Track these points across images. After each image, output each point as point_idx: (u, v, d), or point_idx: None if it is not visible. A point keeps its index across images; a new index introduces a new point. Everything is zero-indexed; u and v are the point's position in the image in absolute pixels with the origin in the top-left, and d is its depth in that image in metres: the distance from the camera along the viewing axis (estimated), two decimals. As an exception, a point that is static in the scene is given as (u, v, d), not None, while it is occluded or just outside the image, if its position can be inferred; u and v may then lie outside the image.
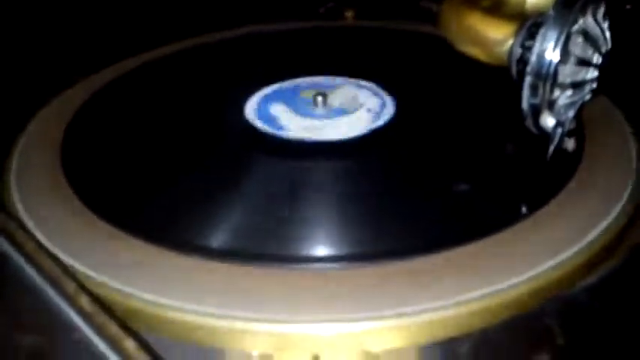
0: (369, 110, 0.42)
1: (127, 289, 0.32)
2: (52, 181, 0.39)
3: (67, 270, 0.28)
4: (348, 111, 0.43)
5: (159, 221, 0.36)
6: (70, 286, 0.27)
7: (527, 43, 0.36)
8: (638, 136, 0.41)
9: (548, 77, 0.34)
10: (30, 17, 0.55)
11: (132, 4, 0.59)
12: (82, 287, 0.27)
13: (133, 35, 0.56)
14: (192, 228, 0.35)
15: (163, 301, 0.31)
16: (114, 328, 0.24)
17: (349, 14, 0.62)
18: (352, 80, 0.46)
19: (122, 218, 0.35)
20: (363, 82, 0.45)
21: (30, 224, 0.35)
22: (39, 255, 0.28)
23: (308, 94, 0.44)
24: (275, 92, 0.45)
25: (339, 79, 0.46)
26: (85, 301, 0.26)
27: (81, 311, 0.26)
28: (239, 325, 0.30)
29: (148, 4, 0.60)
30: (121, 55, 0.52)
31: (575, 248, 0.33)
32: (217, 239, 0.34)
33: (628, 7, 0.50)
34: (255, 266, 0.33)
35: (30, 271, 0.28)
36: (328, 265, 0.33)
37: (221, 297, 0.31)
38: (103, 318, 0.25)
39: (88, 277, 0.32)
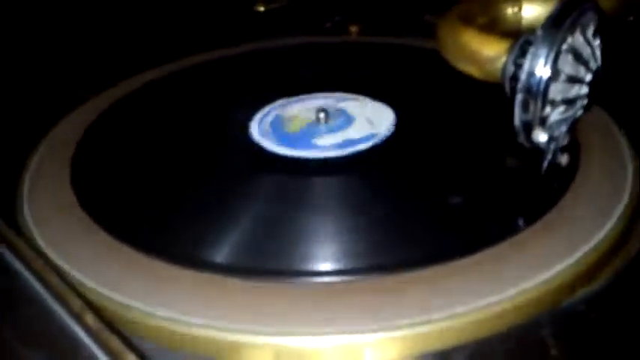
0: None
1: (131, 302, 0.33)
2: (62, 199, 0.40)
3: (73, 287, 0.29)
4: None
5: (162, 236, 0.37)
6: (76, 303, 0.28)
7: (519, 61, 0.37)
8: (634, 150, 0.41)
9: (538, 94, 0.35)
10: (39, 36, 0.57)
11: (140, 21, 0.61)
12: (88, 304, 0.28)
13: (143, 50, 0.57)
14: (193, 243, 0.36)
15: (164, 313, 0.32)
16: (117, 344, 0.26)
17: (354, 29, 0.64)
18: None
19: (125, 231, 0.37)
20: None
21: (41, 242, 0.37)
22: (46, 272, 0.29)
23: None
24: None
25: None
26: (90, 317, 0.27)
27: (86, 328, 0.27)
28: (238, 337, 0.31)
29: (155, 20, 0.62)
30: (128, 71, 0.53)
31: (567, 262, 0.34)
32: (219, 253, 0.36)
33: (630, 18, 0.51)
34: (253, 280, 0.34)
35: (38, 287, 0.29)
36: (325, 278, 0.34)
37: (221, 310, 0.32)
38: (106, 334, 0.26)
39: (94, 290, 0.33)
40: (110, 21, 0.60)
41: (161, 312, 0.32)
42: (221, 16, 0.64)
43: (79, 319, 0.27)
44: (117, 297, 0.33)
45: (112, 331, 0.27)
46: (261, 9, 0.67)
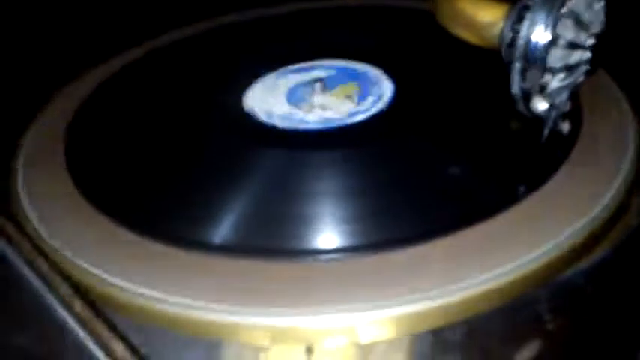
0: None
1: (124, 283, 0.32)
2: (55, 180, 0.40)
3: (62, 274, 0.29)
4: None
5: (157, 216, 0.36)
6: (66, 290, 0.27)
7: (517, 27, 0.35)
8: (636, 114, 0.40)
9: (537, 62, 0.34)
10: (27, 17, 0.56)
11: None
12: (77, 291, 0.28)
13: (132, 25, 0.56)
14: (188, 223, 0.36)
15: (159, 294, 0.32)
16: (105, 332, 0.25)
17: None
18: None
19: (122, 213, 0.36)
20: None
21: (37, 224, 0.36)
22: (36, 257, 0.29)
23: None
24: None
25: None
26: (78, 305, 0.27)
27: (75, 314, 0.27)
28: (235, 317, 0.31)
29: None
30: (118, 47, 0.52)
31: (565, 233, 0.33)
32: (212, 234, 0.35)
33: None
34: (247, 260, 0.33)
35: (28, 273, 0.29)
36: (320, 257, 0.34)
37: (216, 290, 0.32)
38: (95, 322, 0.26)
39: (89, 271, 0.33)
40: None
41: (159, 293, 0.32)
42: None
43: (68, 306, 0.27)
44: (111, 277, 0.33)
45: (101, 319, 0.26)
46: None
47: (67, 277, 0.29)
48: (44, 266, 0.29)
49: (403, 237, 0.33)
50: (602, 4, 0.36)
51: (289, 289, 0.32)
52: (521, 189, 0.36)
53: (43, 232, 0.35)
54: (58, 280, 0.28)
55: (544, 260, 0.32)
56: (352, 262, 0.33)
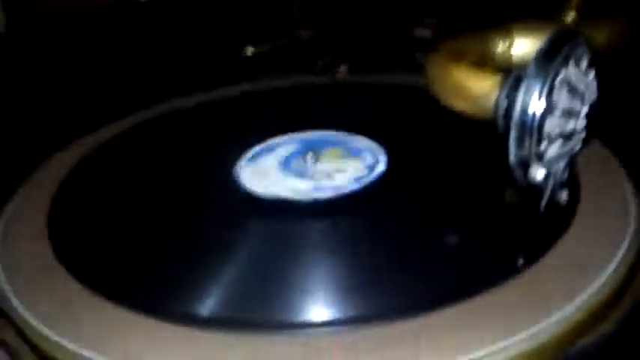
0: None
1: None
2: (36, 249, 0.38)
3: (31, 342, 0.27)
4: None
5: (138, 288, 0.35)
6: None
7: (512, 96, 0.35)
8: (635, 184, 0.40)
9: (533, 129, 0.33)
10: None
11: (128, 65, 0.60)
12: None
13: (129, 94, 0.56)
14: (179, 297, 0.34)
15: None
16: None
17: (343, 69, 0.63)
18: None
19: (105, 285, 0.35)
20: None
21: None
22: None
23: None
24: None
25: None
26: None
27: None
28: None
29: (143, 64, 0.61)
30: (113, 115, 0.52)
31: (569, 307, 0.32)
32: (200, 307, 0.33)
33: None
34: (234, 333, 0.32)
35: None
36: (318, 330, 0.32)
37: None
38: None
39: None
40: (96, 65, 0.59)
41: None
42: (209, 60, 0.63)
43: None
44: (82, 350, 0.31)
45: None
46: (249, 53, 0.66)
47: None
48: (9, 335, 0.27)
49: (400, 308, 0.32)
50: (594, 73, 0.36)
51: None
52: (520, 260, 0.35)
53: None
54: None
55: (548, 333, 0.31)
56: (351, 335, 0.31)
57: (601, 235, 0.36)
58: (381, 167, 0.41)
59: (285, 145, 0.45)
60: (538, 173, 0.35)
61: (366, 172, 0.41)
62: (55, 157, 0.48)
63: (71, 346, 0.31)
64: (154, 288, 0.35)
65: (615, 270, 0.34)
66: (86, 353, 0.31)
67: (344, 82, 0.57)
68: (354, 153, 0.43)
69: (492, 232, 0.37)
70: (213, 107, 0.54)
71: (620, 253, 0.35)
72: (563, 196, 0.36)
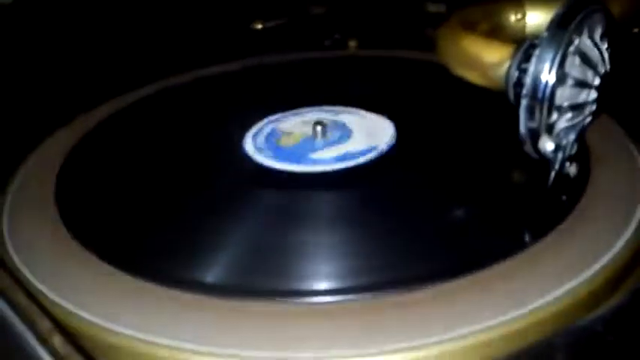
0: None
1: (113, 326, 0.31)
2: (44, 217, 0.38)
3: (43, 308, 0.27)
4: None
5: (151, 257, 0.35)
6: (45, 326, 0.26)
7: (524, 66, 0.35)
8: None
9: (544, 100, 0.33)
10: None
11: (137, 37, 0.60)
12: (57, 326, 0.26)
13: (137, 67, 0.56)
14: (182, 264, 0.34)
15: (152, 338, 0.30)
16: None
17: (352, 44, 0.62)
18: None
19: (111, 252, 0.35)
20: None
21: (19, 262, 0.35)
22: (14, 292, 0.27)
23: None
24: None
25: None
26: (58, 341, 0.25)
27: (53, 352, 0.25)
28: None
29: (152, 37, 0.60)
30: (123, 87, 0.52)
31: (579, 279, 0.31)
32: (209, 274, 0.33)
33: (635, 30, 0.49)
34: (244, 302, 0.32)
35: (4, 307, 0.27)
36: (321, 299, 0.32)
37: (211, 334, 0.30)
38: (76, 359, 0.24)
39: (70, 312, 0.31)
40: (105, 36, 0.59)
41: (152, 337, 0.30)
42: (218, 34, 0.63)
43: (45, 342, 0.25)
44: (97, 319, 0.31)
45: (84, 356, 0.24)
46: (259, 27, 0.65)
47: (48, 313, 0.27)
48: (23, 300, 0.27)
49: (411, 279, 0.32)
50: (607, 45, 0.35)
51: (288, 331, 0.30)
52: (532, 231, 0.34)
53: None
54: (36, 315, 0.26)
55: (558, 305, 0.31)
56: (355, 304, 0.31)
57: (611, 209, 0.35)
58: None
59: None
60: (548, 145, 0.34)
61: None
62: (59, 132, 0.47)
63: (84, 314, 0.32)
64: (162, 257, 0.35)
65: (625, 243, 0.33)
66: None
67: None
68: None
69: (502, 206, 0.37)
70: (211, 82, 0.53)
71: (631, 226, 0.34)
72: (573, 169, 0.36)
